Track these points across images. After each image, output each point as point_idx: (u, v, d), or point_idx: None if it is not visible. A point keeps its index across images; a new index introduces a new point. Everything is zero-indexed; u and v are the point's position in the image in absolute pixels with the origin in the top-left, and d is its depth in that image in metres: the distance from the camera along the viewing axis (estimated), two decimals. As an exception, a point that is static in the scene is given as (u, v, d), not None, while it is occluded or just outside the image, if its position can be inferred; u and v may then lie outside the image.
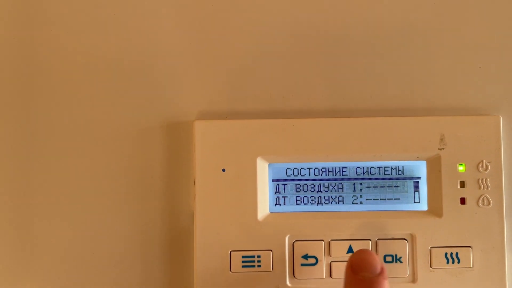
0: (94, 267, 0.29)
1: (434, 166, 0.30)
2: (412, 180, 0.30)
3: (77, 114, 0.30)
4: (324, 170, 0.30)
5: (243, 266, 0.29)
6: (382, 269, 0.24)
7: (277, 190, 0.30)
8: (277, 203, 0.30)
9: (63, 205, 0.30)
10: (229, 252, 0.29)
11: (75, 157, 0.30)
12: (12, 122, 0.30)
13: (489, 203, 0.30)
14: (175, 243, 0.30)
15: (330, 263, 0.29)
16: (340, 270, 0.29)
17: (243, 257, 0.29)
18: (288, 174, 0.30)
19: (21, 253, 0.29)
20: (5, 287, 0.29)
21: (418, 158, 0.30)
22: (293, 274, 0.29)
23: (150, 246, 0.30)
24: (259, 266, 0.29)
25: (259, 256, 0.29)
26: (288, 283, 0.29)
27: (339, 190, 0.30)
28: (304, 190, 0.30)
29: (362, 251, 0.26)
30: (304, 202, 0.30)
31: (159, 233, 0.30)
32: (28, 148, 0.30)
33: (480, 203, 0.30)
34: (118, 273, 0.30)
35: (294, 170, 0.30)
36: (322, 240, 0.30)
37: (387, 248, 0.30)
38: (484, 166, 0.30)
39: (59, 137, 0.30)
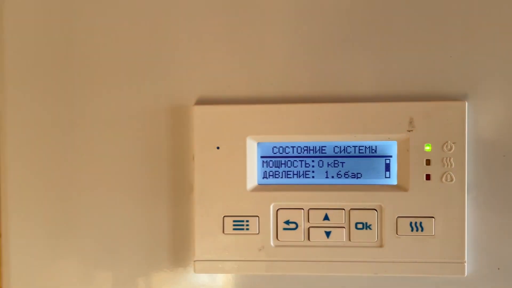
0: (110, 231, 0.36)
1: (404, 146, 0.34)
2: (384, 158, 0.34)
3: (92, 101, 0.35)
4: (306, 148, 0.35)
5: (234, 229, 0.34)
6: None
7: (265, 165, 0.35)
8: (265, 176, 0.35)
9: (90, 183, 0.36)
10: (223, 217, 0.34)
11: (95, 139, 0.35)
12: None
13: (452, 179, 0.33)
14: (178, 210, 0.35)
15: (309, 228, 0.34)
16: (316, 234, 0.34)
17: (234, 221, 0.34)
18: (274, 152, 0.35)
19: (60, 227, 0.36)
20: (47, 260, 0.36)
21: (389, 139, 0.34)
22: (276, 236, 0.34)
23: (157, 213, 0.35)
24: (247, 229, 0.34)
25: (247, 221, 0.34)
26: (272, 244, 0.34)
27: (319, 166, 0.35)
28: (288, 165, 0.35)
29: None
30: (288, 176, 0.35)
31: (165, 202, 0.35)
32: (57, 131, 0.36)
33: (443, 179, 0.33)
34: (130, 237, 0.36)
35: (280, 148, 0.35)
36: (302, 208, 0.34)
37: (358, 217, 0.34)
38: (449, 147, 0.33)
39: (84, 123, 0.36)
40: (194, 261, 0.34)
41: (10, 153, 0.36)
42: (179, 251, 0.35)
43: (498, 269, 0.34)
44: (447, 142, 0.33)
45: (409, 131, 0.33)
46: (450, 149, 0.33)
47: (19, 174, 0.36)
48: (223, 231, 0.34)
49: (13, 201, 0.36)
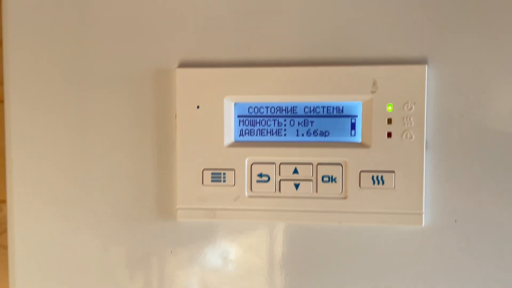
0: (100, 182, 0.40)
1: (367, 106, 0.37)
2: (350, 118, 0.37)
3: (82, 63, 0.39)
4: (278, 108, 0.38)
5: (212, 181, 0.38)
6: None
7: (241, 124, 0.38)
8: (241, 134, 0.38)
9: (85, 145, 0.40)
10: (202, 170, 0.38)
11: (86, 101, 0.39)
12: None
13: (411, 137, 0.36)
14: (162, 164, 0.39)
15: (280, 181, 0.38)
16: (286, 186, 0.37)
17: (212, 174, 0.38)
18: (250, 111, 0.38)
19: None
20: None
21: (354, 100, 0.37)
22: (250, 188, 0.38)
23: (144, 166, 0.39)
24: (224, 181, 0.38)
25: (224, 174, 0.38)
26: (246, 194, 0.38)
27: (290, 125, 0.38)
28: (262, 124, 0.38)
29: None
30: (262, 134, 0.38)
31: (150, 156, 0.39)
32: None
33: (403, 137, 0.36)
34: (120, 187, 0.39)
35: (255, 108, 0.38)
36: (274, 163, 0.38)
37: (325, 171, 0.37)
38: (409, 107, 0.36)
39: (82, 84, 0.39)
40: (177, 209, 0.38)
41: (13, 119, 0.40)
42: (163, 200, 0.39)
43: (455, 221, 0.37)
44: (407, 102, 0.36)
45: (372, 92, 0.36)
46: (410, 109, 0.36)
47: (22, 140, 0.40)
48: (202, 183, 0.38)
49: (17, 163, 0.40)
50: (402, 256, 0.38)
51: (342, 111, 0.37)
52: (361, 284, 0.38)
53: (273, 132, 0.38)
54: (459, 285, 0.37)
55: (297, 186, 0.37)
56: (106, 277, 0.40)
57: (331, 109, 0.37)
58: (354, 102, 0.37)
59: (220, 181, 0.38)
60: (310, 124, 0.38)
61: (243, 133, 0.38)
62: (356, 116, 0.37)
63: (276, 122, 0.38)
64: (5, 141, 0.41)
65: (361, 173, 0.37)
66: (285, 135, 0.38)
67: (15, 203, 0.41)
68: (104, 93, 0.39)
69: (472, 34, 0.36)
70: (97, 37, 0.39)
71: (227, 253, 0.39)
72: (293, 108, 0.38)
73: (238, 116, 0.38)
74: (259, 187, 0.38)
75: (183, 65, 0.38)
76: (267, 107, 0.38)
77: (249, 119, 0.38)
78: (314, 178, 0.37)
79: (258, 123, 0.38)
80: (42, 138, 0.40)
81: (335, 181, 0.37)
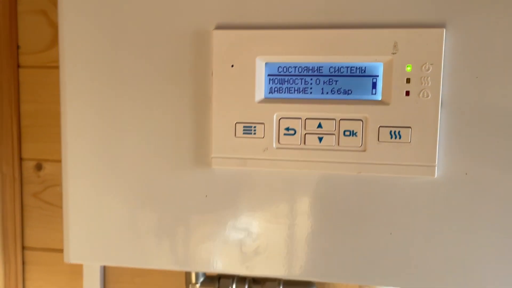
0: (143, 135, 0.44)
1: (388, 66, 0.40)
2: (371, 77, 0.40)
3: (128, 27, 0.43)
4: (306, 68, 0.41)
5: (243, 133, 0.42)
6: None
7: (271, 82, 0.42)
8: (270, 91, 0.42)
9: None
10: (235, 123, 0.42)
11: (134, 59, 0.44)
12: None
13: (428, 96, 0.39)
14: (199, 118, 0.43)
15: (305, 134, 0.41)
16: (311, 139, 0.41)
17: (244, 127, 0.42)
18: (279, 71, 0.42)
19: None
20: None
21: (376, 60, 0.40)
22: (278, 140, 0.42)
23: (183, 120, 0.44)
24: (254, 133, 0.42)
25: (255, 127, 0.42)
26: (274, 146, 0.42)
27: (316, 83, 0.41)
28: (290, 82, 0.42)
29: None
30: (290, 91, 0.42)
31: (189, 111, 0.43)
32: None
33: (420, 95, 0.39)
34: (161, 139, 0.44)
35: (284, 68, 0.42)
36: (300, 118, 0.41)
37: (346, 125, 0.41)
38: (427, 67, 0.39)
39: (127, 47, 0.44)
40: (212, 157, 0.43)
41: (68, 81, 0.45)
42: (200, 150, 0.44)
43: (466, 174, 0.40)
44: (425, 63, 0.39)
45: (393, 53, 0.39)
46: (428, 70, 0.39)
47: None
48: (235, 135, 0.42)
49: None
50: (414, 205, 0.41)
51: (364, 71, 0.40)
52: (375, 230, 0.42)
53: (300, 90, 0.42)
54: (466, 233, 0.41)
55: (320, 139, 0.41)
56: (149, 218, 0.45)
57: (354, 69, 0.41)
58: (376, 63, 0.40)
59: (250, 133, 0.42)
60: (334, 83, 0.41)
61: (273, 90, 0.42)
62: (377, 76, 0.40)
63: (303, 80, 0.42)
64: (60, 102, 0.46)
65: (380, 128, 0.40)
66: (311, 93, 0.42)
67: (69, 161, 0.46)
68: (148, 54, 0.43)
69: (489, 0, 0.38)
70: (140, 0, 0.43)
71: (255, 198, 0.44)
72: (319, 68, 0.41)
73: (268, 75, 0.42)
74: (286, 140, 0.42)
75: (220, 27, 0.42)
76: (295, 67, 0.42)
77: (278, 77, 0.42)
78: (336, 132, 0.41)
79: (286, 82, 0.42)
80: (93, 98, 0.45)
81: (356, 135, 0.41)
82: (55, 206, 0.76)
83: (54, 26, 0.72)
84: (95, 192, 0.46)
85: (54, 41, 0.73)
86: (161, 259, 0.45)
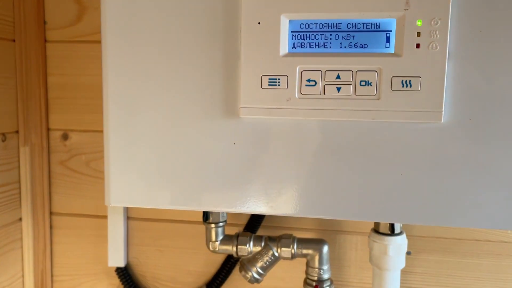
0: (176, 88, 0.49)
1: (400, 21, 0.44)
2: (385, 32, 0.45)
3: (170, -13, 0.48)
4: (325, 25, 0.46)
5: (269, 85, 0.47)
6: None
7: (294, 38, 0.46)
8: (293, 46, 0.47)
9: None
10: (261, 75, 0.47)
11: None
12: None
13: (436, 48, 0.44)
14: (229, 71, 0.48)
15: (324, 85, 0.46)
16: (330, 89, 0.46)
17: (269, 79, 0.47)
18: (301, 27, 0.46)
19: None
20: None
21: (390, 16, 0.44)
22: (300, 91, 0.46)
23: (214, 73, 0.48)
24: (279, 85, 0.46)
25: (279, 79, 0.46)
26: (296, 96, 0.46)
27: (335, 38, 0.46)
28: (311, 38, 0.46)
29: None
30: (311, 46, 0.46)
31: (219, 65, 0.48)
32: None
33: (430, 47, 0.44)
34: (194, 90, 0.49)
35: (306, 24, 0.46)
36: (320, 70, 0.46)
37: (363, 76, 0.45)
38: (436, 22, 0.43)
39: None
40: (240, 107, 0.47)
41: (109, 49, 0.49)
42: (229, 101, 0.48)
43: (470, 119, 0.45)
44: (434, 18, 0.43)
45: (405, 10, 0.44)
46: (436, 24, 0.43)
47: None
48: (261, 86, 0.47)
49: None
50: (423, 148, 0.46)
51: (379, 26, 0.45)
52: (387, 171, 0.47)
53: (320, 44, 0.46)
54: (469, 174, 0.45)
55: (338, 89, 0.45)
56: (182, 164, 0.50)
57: (370, 25, 0.45)
58: (389, 19, 0.44)
59: (275, 85, 0.46)
60: (351, 38, 0.45)
61: (295, 45, 0.46)
62: (391, 30, 0.45)
63: (323, 36, 0.46)
64: (102, 67, 0.50)
65: (392, 78, 0.45)
66: (330, 47, 0.46)
67: (110, 111, 0.50)
68: (183, 13, 0.48)
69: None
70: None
71: (280, 145, 0.48)
72: (338, 24, 0.46)
73: (292, 32, 0.46)
74: (307, 90, 0.46)
75: (247, -12, 0.46)
76: (316, 24, 0.46)
77: (300, 33, 0.46)
78: (353, 83, 0.45)
79: (308, 37, 0.46)
80: (132, 52, 0.49)
81: (371, 85, 0.45)
82: (81, 173, 0.81)
83: (79, 2, 0.77)
84: (133, 141, 0.50)
85: (79, 17, 0.77)
86: (193, 201, 0.50)
